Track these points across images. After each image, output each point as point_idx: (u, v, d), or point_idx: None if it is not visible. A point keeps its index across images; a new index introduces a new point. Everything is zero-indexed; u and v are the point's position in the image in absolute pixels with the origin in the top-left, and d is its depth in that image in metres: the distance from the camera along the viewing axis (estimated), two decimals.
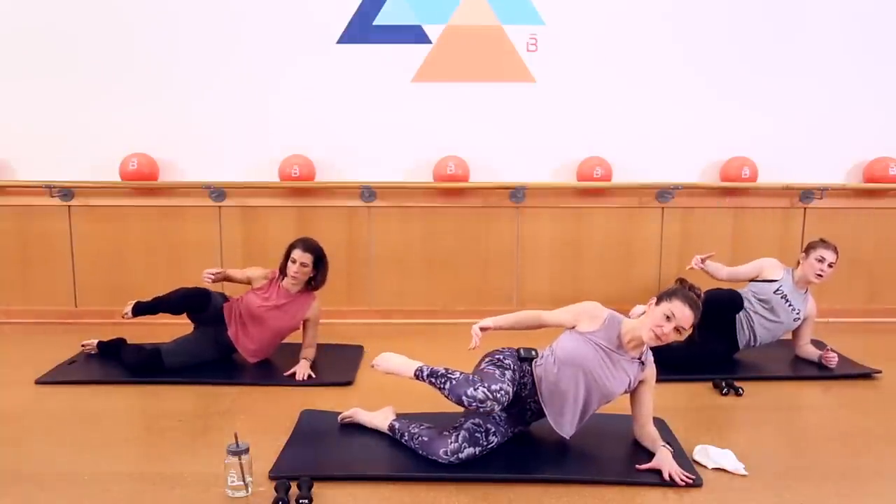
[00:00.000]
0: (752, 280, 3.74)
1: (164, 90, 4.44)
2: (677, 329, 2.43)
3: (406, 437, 2.59)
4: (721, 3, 4.48)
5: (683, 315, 2.42)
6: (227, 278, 3.59)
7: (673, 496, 2.32)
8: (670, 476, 2.36)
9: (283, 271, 3.51)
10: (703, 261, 3.86)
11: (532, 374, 2.61)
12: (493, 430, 2.54)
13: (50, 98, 4.41)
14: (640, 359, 2.55)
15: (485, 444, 2.50)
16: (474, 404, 2.37)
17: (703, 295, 2.53)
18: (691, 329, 2.48)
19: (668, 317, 2.43)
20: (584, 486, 2.37)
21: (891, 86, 4.56)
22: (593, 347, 2.51)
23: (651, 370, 2.61)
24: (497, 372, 2.50)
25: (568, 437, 2.59)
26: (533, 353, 2.66)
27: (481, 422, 2.53)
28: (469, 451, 2.45)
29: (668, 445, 2.49)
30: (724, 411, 3.10)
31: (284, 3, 4.42)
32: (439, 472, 2.42)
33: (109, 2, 4.36)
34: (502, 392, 2.38)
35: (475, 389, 2.37)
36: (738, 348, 3.66)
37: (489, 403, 2.36)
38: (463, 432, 2.49)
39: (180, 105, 4.46)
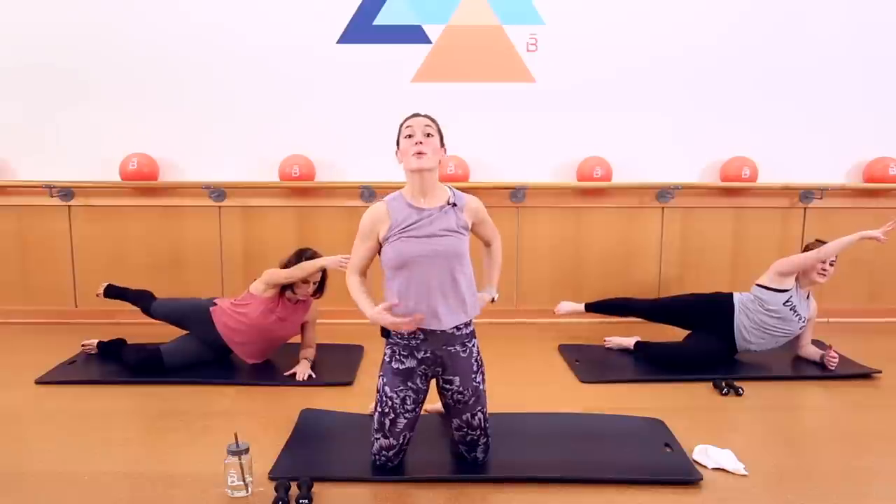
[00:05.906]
0: (762, 286, 3.58)
1: (164, 90, 4.44)
2: (427, 134, 2.35)
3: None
4: (721, 2, 4.48)
5: (414, 123, 2.37)
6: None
7: (672, 496, 2.32)
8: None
9: (289, 287, 3.45)
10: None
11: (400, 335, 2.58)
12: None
13: (50, 98, 4.41)
14: (450, 203, 2.44)
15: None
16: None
17: None
18: (438, 133, 2.39)
19: (408, 135, 2.37)
20: (584, 485, 2.37)
21: (890, 86, 4.56)
22: (406, 236, 2.42)
23: (470, 208, 2.51)
24: (380, 418, 2.44)
25: (468, 318, 2.55)
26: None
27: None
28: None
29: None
30: (724, 411, 3.10)
31: (284, 4, 4.42)
32: (439, 473, 2.43)
33: (110, 2, 4.37)
34: (381, 451, 2.43)
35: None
36: (737, 350, 3.67)
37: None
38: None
39: (180, 105, 4.46)
